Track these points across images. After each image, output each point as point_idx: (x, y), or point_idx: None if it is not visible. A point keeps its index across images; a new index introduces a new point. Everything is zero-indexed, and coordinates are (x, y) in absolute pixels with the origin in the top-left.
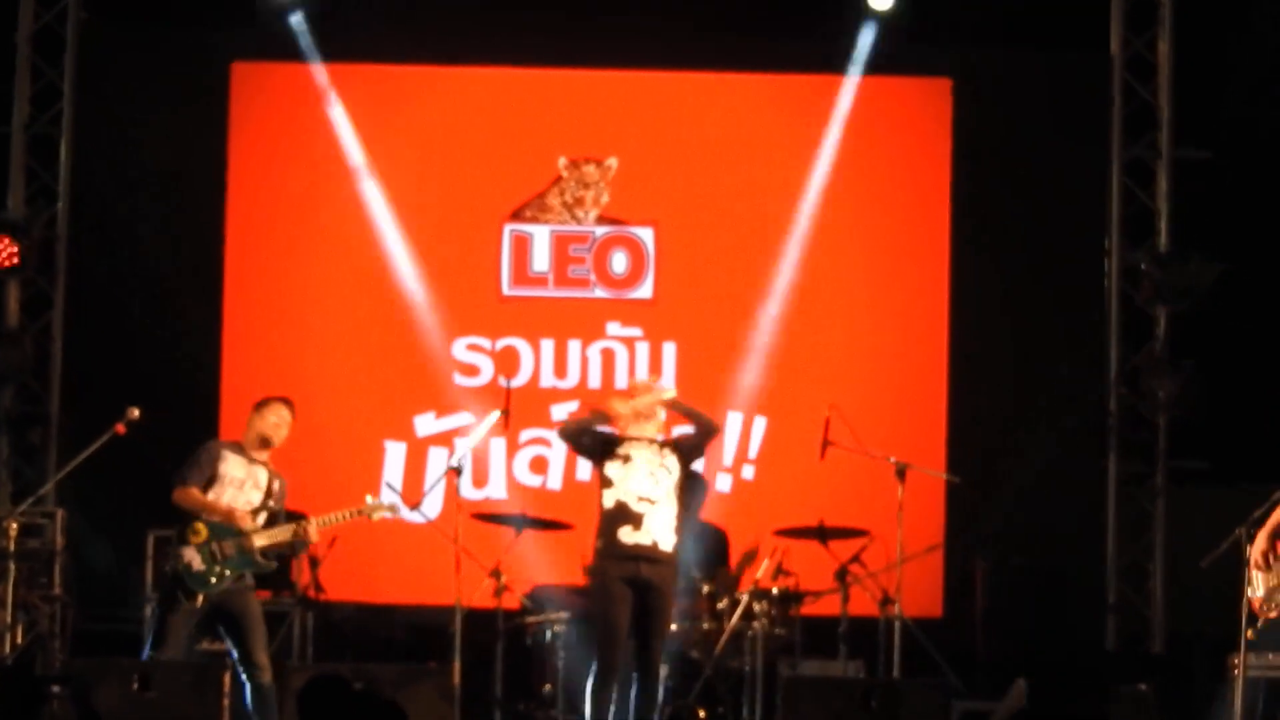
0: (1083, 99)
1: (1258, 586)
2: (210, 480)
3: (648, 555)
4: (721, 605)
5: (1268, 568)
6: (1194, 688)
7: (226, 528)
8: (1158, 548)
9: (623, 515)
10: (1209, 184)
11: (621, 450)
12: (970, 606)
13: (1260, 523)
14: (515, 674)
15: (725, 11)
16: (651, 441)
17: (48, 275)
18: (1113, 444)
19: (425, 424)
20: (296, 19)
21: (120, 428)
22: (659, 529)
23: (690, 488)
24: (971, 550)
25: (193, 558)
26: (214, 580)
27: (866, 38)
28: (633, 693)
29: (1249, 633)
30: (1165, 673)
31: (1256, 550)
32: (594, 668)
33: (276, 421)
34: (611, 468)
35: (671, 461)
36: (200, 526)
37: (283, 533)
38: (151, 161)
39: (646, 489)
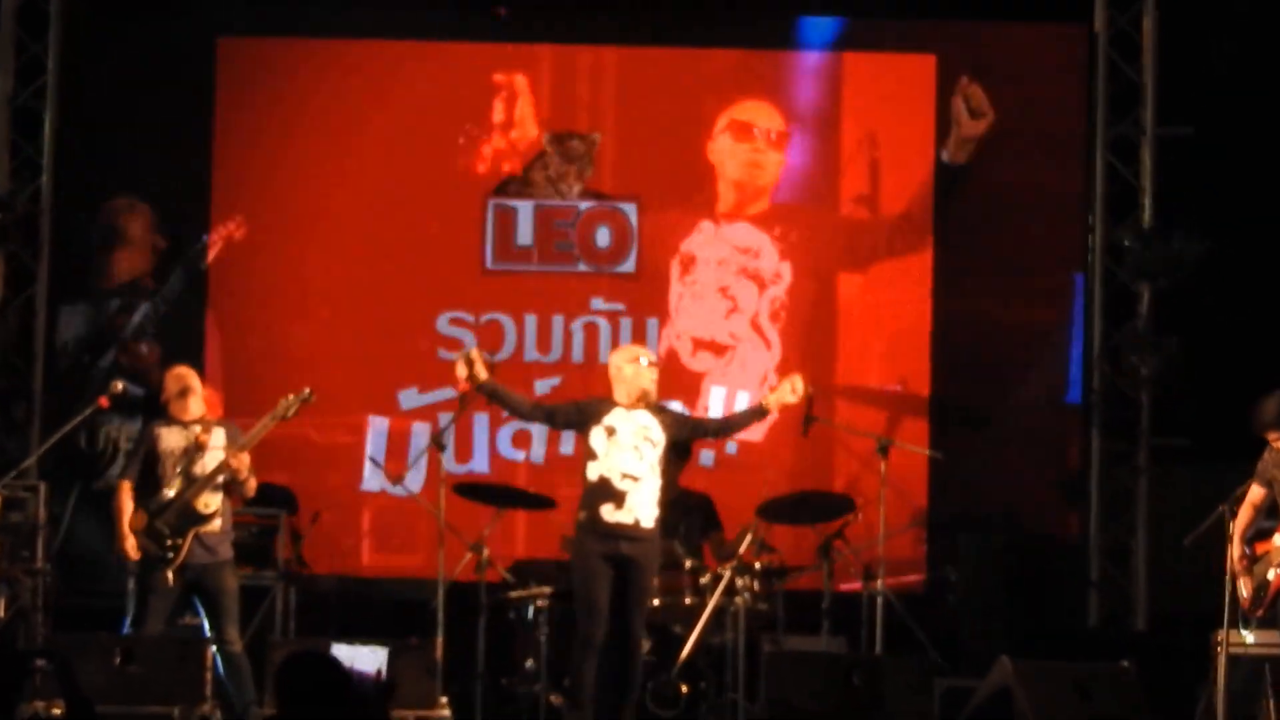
0: (1066, 74)
1: (1242, 590)
2: (152, 462)
3: (629, 534)
4: (704, 580)
5: (1248, 572)
6: (1177, 665)
7: (161, 503)
8: (1140, 525)
9: (606, 491)
10: (1193, 160)
11: (607, 420)
12: (953, 583)
13: (1240, 501)
14: (498, 648)
15: None
16: (638, 410)
17: (31, 249)
18: (1095, 421)
19: (409, 398)
20: None
21: (104, 401)
22: (641, 506)
23: (672, 458)
24: (954, 526)
25: (147, 546)
26: (171, 555)
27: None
28: (614, 668)
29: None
30: (1148, 650)
31: (1235, 557)
32: (575, 643)
33: (196, 402)
34: (596, 439)
35: (657, 433)
36: (139, 514)
37: (213, 475)
38: (136, 135)
39: (631, 465)
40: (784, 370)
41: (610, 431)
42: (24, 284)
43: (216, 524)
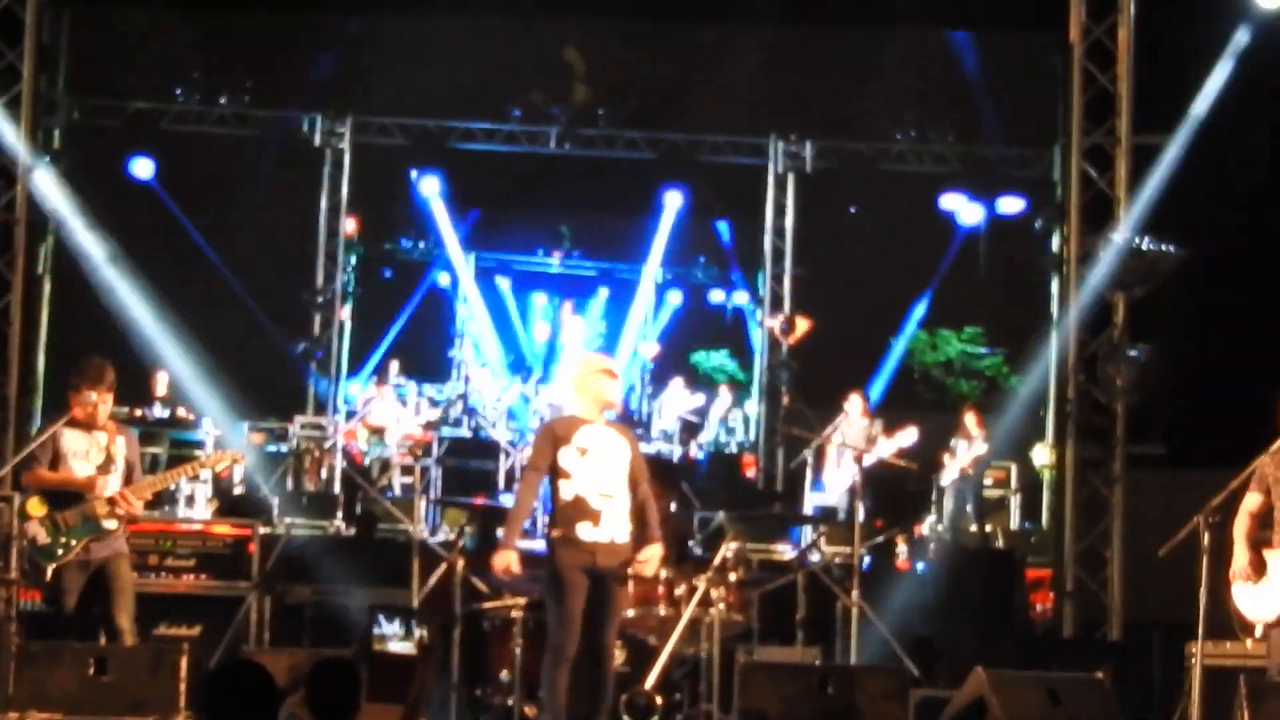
0: (1042, 84)
1: (1247, 598)
2: (55, 460)
3: (603, 550)
4: (679, 592)
5: (1255, 579)
6: (1150, 674)
7: (67, 497)
8: (1115, 534)
9: (581, 510)
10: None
11: (578, 439)
12: (929, 593)
13: (1217, 512)
14: (473, 659)
15: None
16: (606, 428)
17: (6, 258)
18: (1070, 429)
19: None
20: None
21: (77, 412)
22: (617, 523)
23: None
24: (928, 537)
25: (37, 531)
26: (60, 551)
27: None
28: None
29: (1250, 642)
30: (1122, 659)
31: (1242, 565)
32: (548, 654)
33: (104, 408)
34: (568, 459)
35: (625, 451)
36: (36, 502)
37: (112, 503)
38: (109, 141)
39: (605, 483)
40: None
41: (583, 451)
42: None
43: (114, 524)
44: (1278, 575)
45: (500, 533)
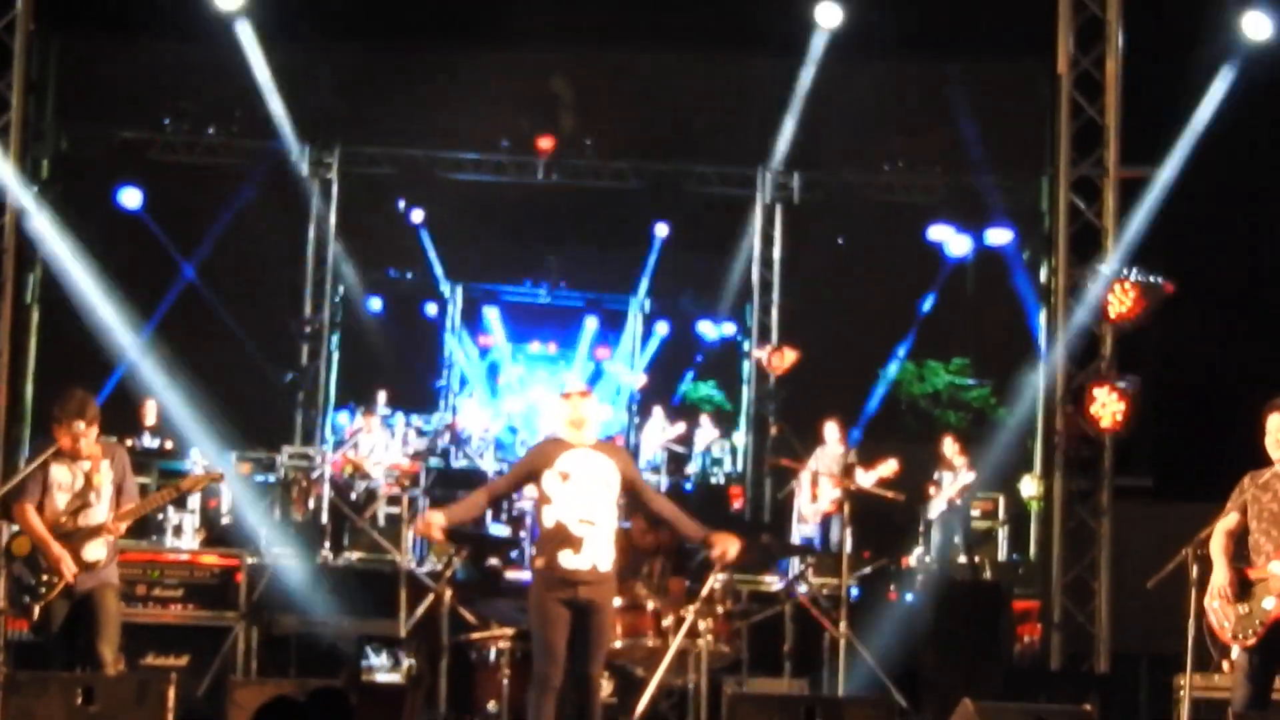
0: (1030, 115)
1: (1224, 619)
2: (44, 490)
3: (586, 579)
4: (667, 622)
5: (1234, 598)
6: (1137, 706)
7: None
8: (1102, 566)
9: (562, 538)
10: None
11: (560, 464)
12: (916, 625)
13: (1204, 544)
14: (460, 689)
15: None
16: (592, 451)
17: None
18: (1058, 461)
19: None
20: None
21: (64, 442)
22: (599, 551)
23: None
24: (915, 568)
25: (22, 570)
26: (44, 590)
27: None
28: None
29: (1225, 664)
30: (1109, 691)
31: (1221, 583)
32: (533, 685)
33: (88, 440)
34: (550, 483)
35: (613, 475)
36: (23, 540)
37: (96, 530)
38: (99, 171)
39: (587, 509)
40: None
41: (564, 476)
42: None
43: (103, 555)
44: (1256, 597)
45: (491, 561)
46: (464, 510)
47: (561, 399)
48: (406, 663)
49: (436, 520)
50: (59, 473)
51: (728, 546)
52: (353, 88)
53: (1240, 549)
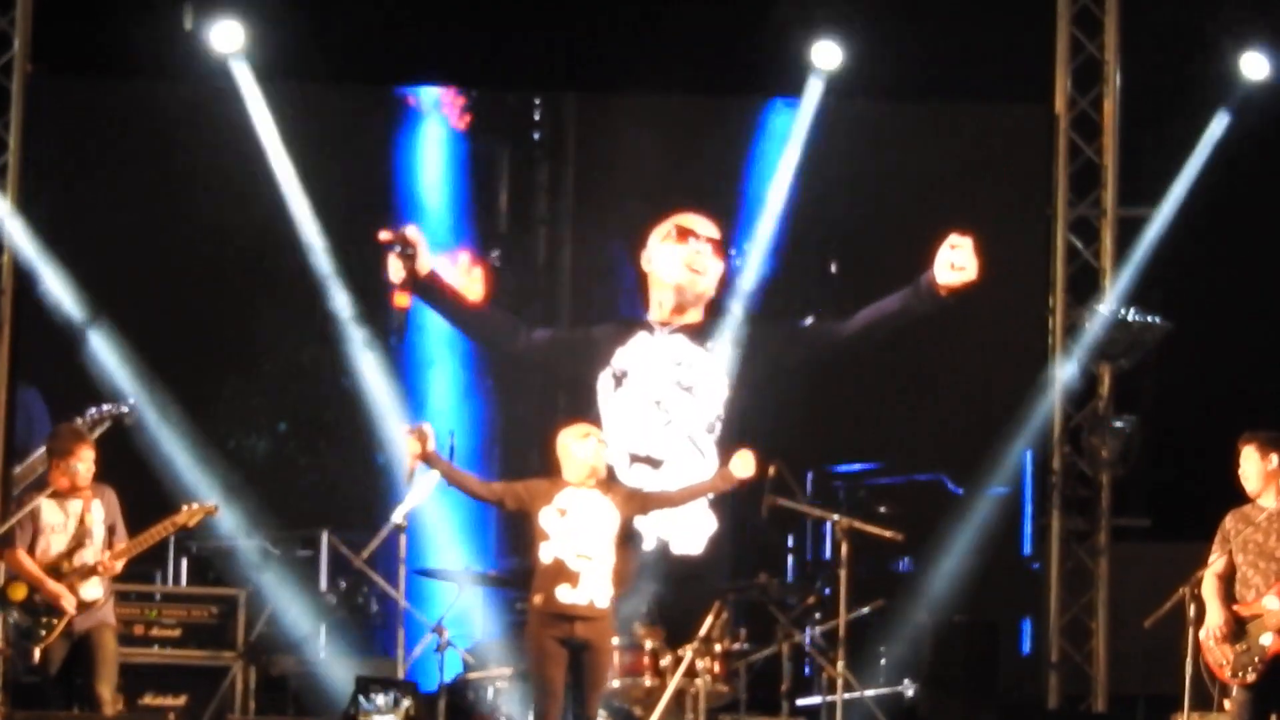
0: (1027, 155)
1: (1223, 658)
2: (35, 535)
3: (583, 615)
4: (664, 662)
5: (1230, 638)
6: None
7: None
8: (1100, 606)
9: (559, 573)
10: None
11: (559, 500)
12: (914, 664)
13: (1202, 584)
14: None
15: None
16: (589, 489)
17: None
18: (1056, 501)
19: None
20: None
21: (61, 482)
22: (596, 587)
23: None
24: (915, 608)
25: (19, 616)
26: (43, 632)
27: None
28: None
29: (1226, 703)
30: None
31: (1216, 624)
32: None
33: (86, 469)
34: (548, 520)
35: (610, 512)
36: (19, 585)
37: (91, 570)
38: (98, 213)
39: (584, 544)
40: None
41: (562, 512)
42: None
43: (99, 594)
44: (1253, 634)
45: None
46: (460, 472)
47: (582, 438)
48: (404, 704)
49: (429, 436)
50: (50, 514)
51: (745, 463)
52: None
53: (1232, 589)
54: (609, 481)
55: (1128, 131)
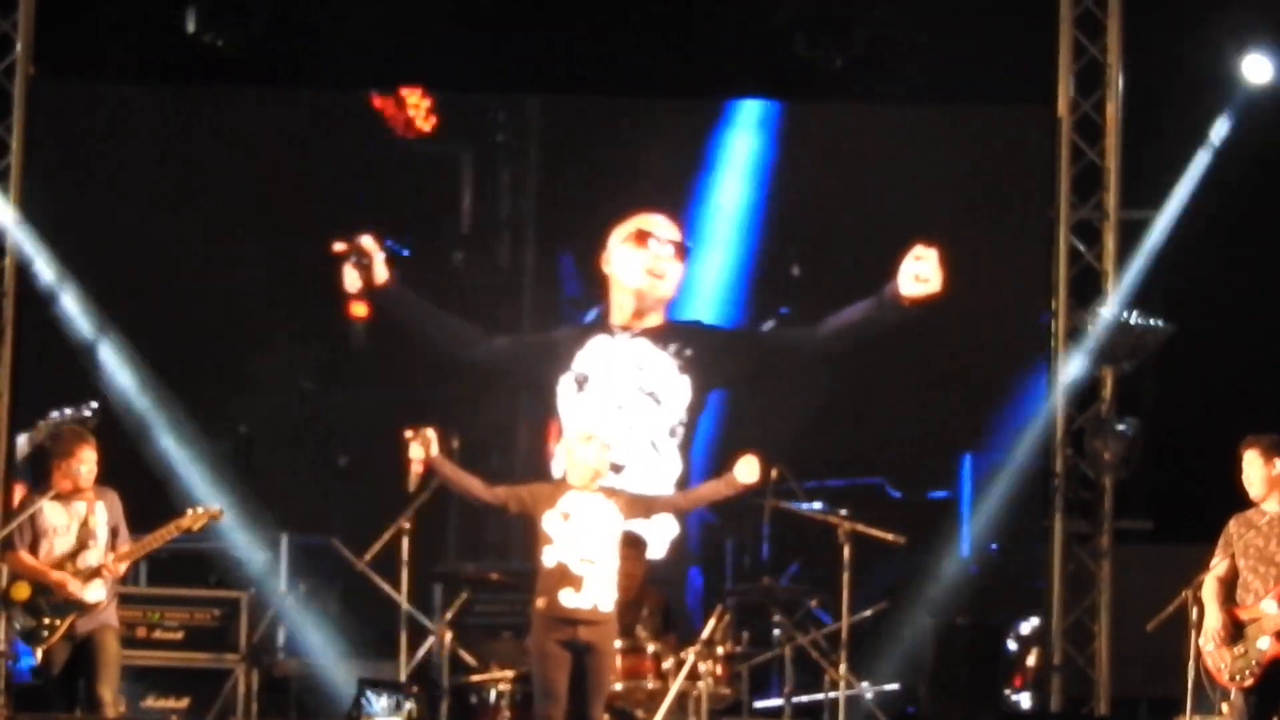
0: (1030, 158)
1: (1220, 661)
2: (36, 537)
3: (587, 618)
4: (666, 665)
5: (1228, 641)
6: None
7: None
8: (1102, 609)
9: (563, 577)
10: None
11: (562, 504)
12: (916, 667)
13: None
14: None
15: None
16: (593, 493)
17: None
18: (1058, 504)
19: None
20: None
21: (64, 485)
22: (599, 590)
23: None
24: (918, 611)
25: (24, 620)
26: (46, 634)
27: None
28: None
29: (1225, 706)
30: None
31: (1215, 627)
32: None
33: (89, 470)
34: (551, 523)
35: (614, 516)
36: (22, 585)
37: (95, 572)
38: (100, 216)
39: (588, 548)
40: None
41: (565, 516)
42: None
43: (102, 596)
44: (1250, 638)
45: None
46: (464, 476)
47: (585, 441)
48: (407, 706)
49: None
50: (53, 515)
51: (750, 469)
52: None
53: (1232, 592)
54: (612, 485)
55: (1130, 134)
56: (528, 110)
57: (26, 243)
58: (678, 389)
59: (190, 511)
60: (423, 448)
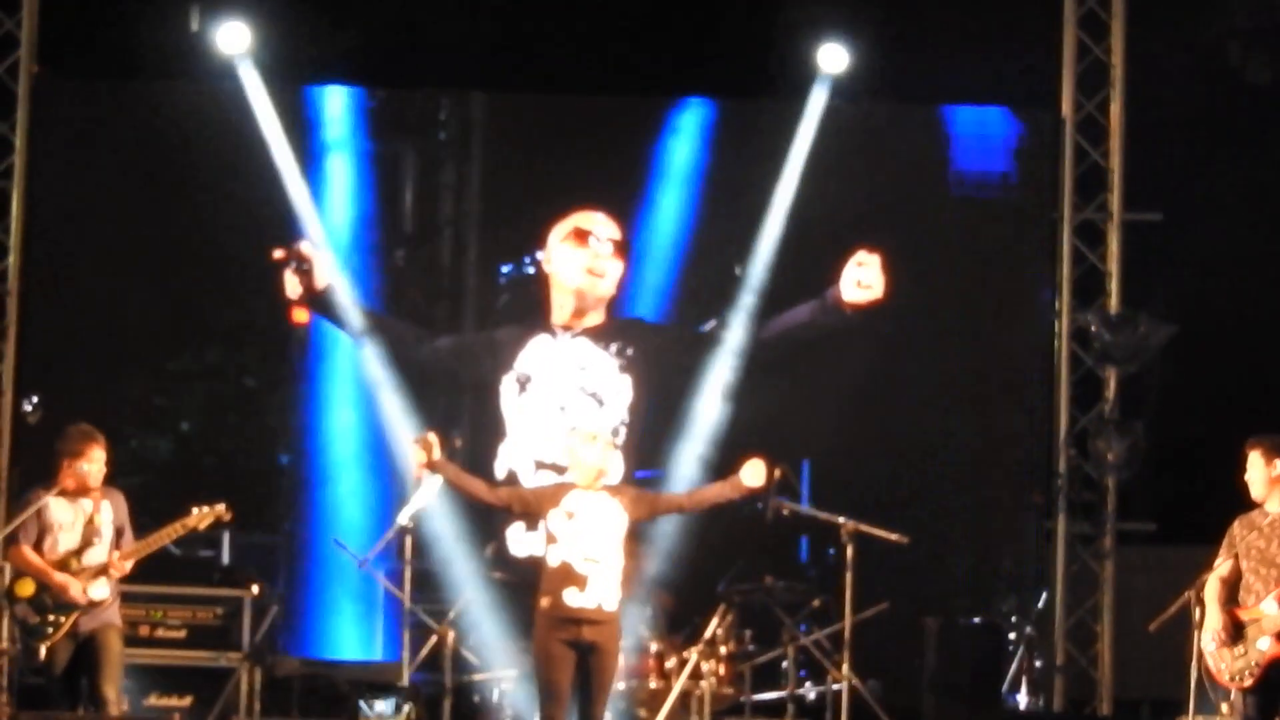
0: (1033, 159)
1: (1220, 662)
2: (42, 532)
3: (590, 618)
4: (669, 664)
5: (1230, 641)
6: None
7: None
8: (1105, 609)
9: (567, 576)
10: (1159, 246)
11: (566, 503)
12: (918, 667)
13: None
14: None
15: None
16: (597, 492)
17: None
18: (1061, 505)
19: None
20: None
21: (68, 482)
22: (603, 590)
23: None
24: (920, 611)
25: (26, 613)
26: (50, 630)
27: (818, 98)
28: None
29: (1225, 707)
30: None
31: (1215, 627)
32: None
33: (98, 469)
34: (556, 523)
35: (618, 515)
36: (25, 583)
37: (100, 569)
38: (105, 214)
39: (592, 548)
40: None
41: (570, 515)
42: None
43: (106, 594)
44: (1250, 638)
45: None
46: (467, 478)
47: (586, 440)
48: (406, 707)
49: (434, 445)
50: (60, 512)
51: (756, 473)
52: None
53: (1234, 593)
54: (617, 485)
55: (1134, 136)
56: (471, 107)
57: (31, 240)
58: (619, 389)
59: (195, 511)
60: (424, 451)
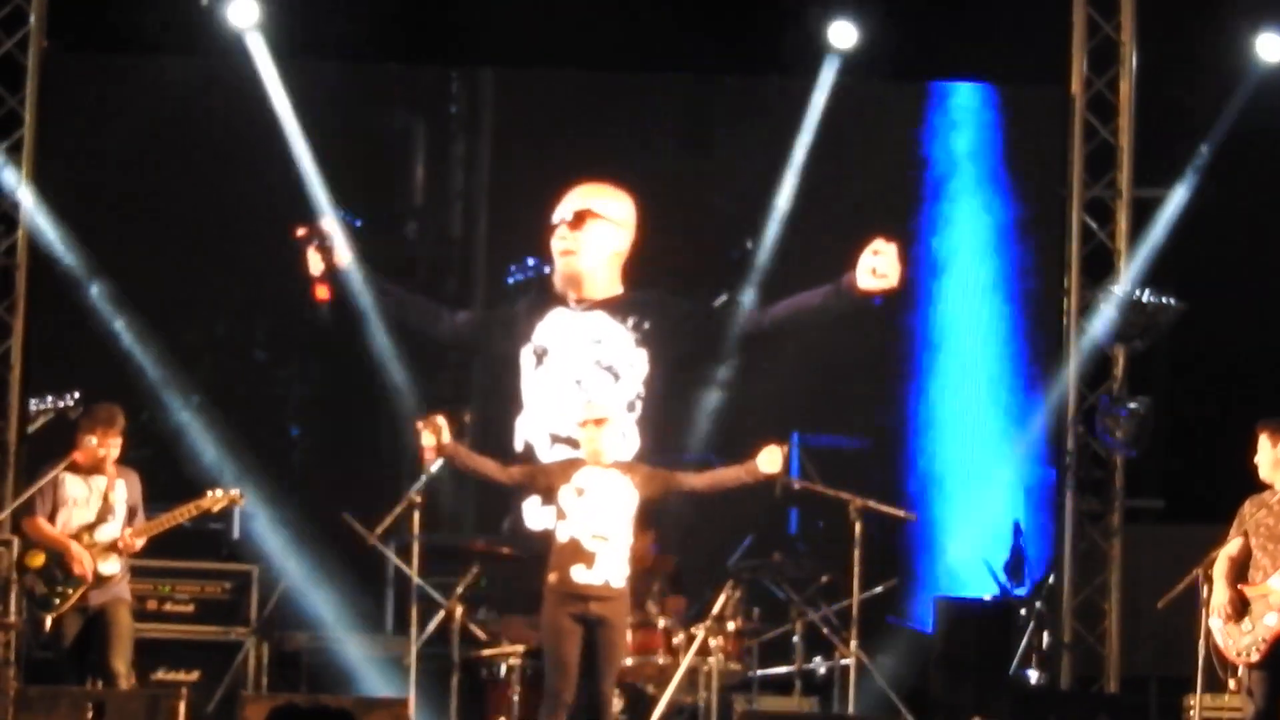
0: (1043, 136)
1: (1228, 638)
2: (55, 506)
3: (599, 594)
4: (677, 640)
5: (1235, 618)
6: None
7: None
8: (1113, 587)
9: (576, 553)
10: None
11: (577, 479)
12: (926, 644)
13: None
14: (471, 706)
15: (691, 51)
16: (608, 469)
17: (7, 303)
18: (1069, 483)
19: None
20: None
21: (78, 456)
22: (612, 566)
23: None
24: (924, 587)
25: (35, 583)
26: (58, 601)
27: (828, 74)
28: None
29: (1233, 683)
30: (1119, 712)
31: (1221, 602)
32: (544, 701)
33: (115, 448)
34: (566, 499)
35: (629, 492)
36: (34, 554)
37: (111, 546)
38: (113, 188)
39: (600, 525)
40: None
41: (580, 491)
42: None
43: (116, 570)
44: (1256, 614)
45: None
46: (478, 459)
47: (592, 425)
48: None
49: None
50: (74, 487)
51: (773, 459)
52: None
53: (1244, 571)
54: (629, 463)
55: (1144, 112)
56: (481, 81)
57: (39, 216)
58: (635, 363)
59: (210, 493)
60: (434, 435)
